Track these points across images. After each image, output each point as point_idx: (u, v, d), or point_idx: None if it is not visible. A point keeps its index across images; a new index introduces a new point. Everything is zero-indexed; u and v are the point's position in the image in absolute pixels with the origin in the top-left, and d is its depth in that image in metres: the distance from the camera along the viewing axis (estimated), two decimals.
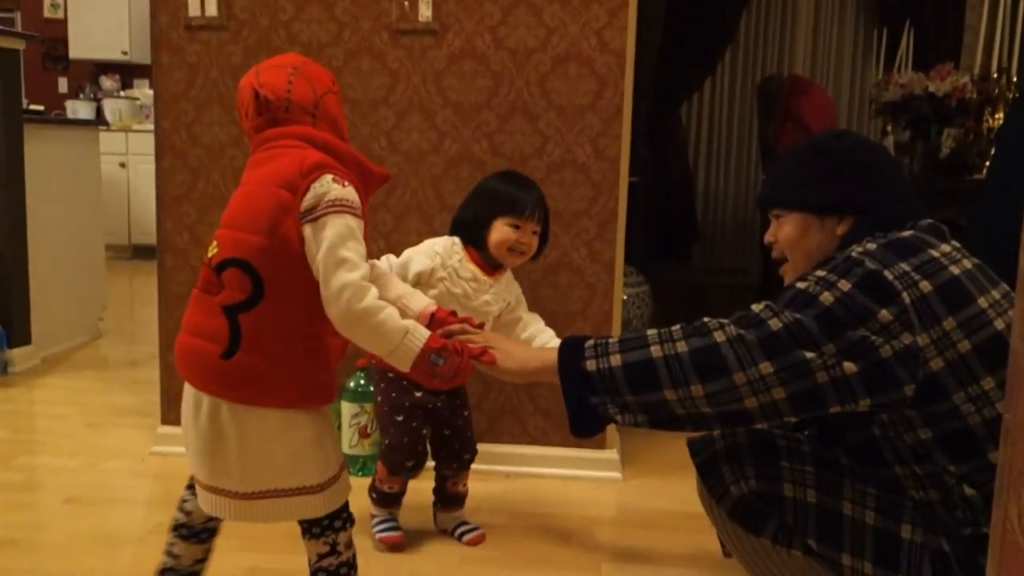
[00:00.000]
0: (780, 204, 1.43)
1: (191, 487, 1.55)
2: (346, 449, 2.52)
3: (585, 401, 1.31)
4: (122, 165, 6.53)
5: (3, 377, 3.39)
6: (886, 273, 1.21)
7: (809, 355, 1.19)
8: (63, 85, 7.27)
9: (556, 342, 1.92)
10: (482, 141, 2.47)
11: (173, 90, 2.54)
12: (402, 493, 2.12)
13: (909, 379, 1.19)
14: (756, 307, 1.28)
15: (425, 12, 2.42)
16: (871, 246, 1.26)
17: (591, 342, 1.35)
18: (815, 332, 1.19)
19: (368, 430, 2.51)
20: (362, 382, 2.50)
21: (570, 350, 1.36)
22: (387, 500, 2.11)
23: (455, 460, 2.11)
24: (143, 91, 7.05)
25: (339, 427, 2.53)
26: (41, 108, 4.14)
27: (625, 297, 3.30)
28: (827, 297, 1.21)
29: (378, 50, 2.47)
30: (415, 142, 2.50)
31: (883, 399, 1.21)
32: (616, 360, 1.30)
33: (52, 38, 7.08)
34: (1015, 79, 3.96)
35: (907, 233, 1.29)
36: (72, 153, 4.01)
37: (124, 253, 6.61)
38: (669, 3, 5.53)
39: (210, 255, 1.43)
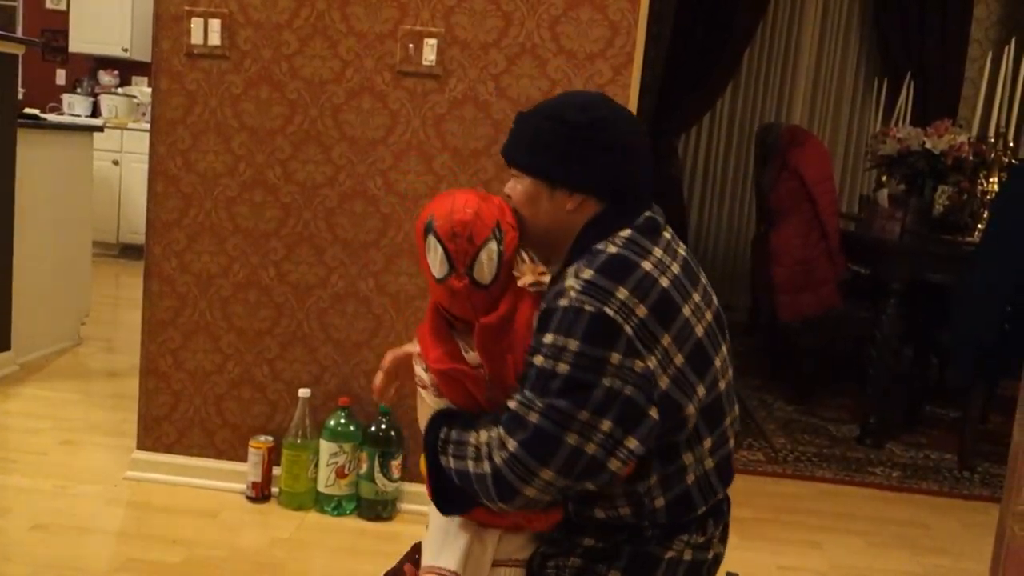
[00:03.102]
0: (516, 165, 1.37)
1: None
2: (322, 487, 2.51)
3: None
4: (115, 163, 6.47)
5: None
6: (606, 310, 1.20)
7: (573, 437, 1.20)
8: (61, 77, 7.21)
9: None
10: (478, 188, 2.46)
11: (170, 116, 2.51)
12: None
13: (648, 403, 1.21)
14: (511, 402, 1.26)
15: (429, 56, 2.41)
16: (588, 273, 1.23)
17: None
18: (567, 409, 1.20)
19: (345, 470, 2.48)
20: (342, 421, 2.48)
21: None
22: None
23: None
24: (141, 89, 6.99)
25: (316, 465, 2.51)
26: (36, 112, 4.08)
27: None
28: (563, 367, 1.20)
29: (380, 90, 2.46)
30: (411, 184, 2.48)
31: (643, 432, 1.22)
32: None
33: (52, 30, 7.03)
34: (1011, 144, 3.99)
35: (620, 243, 1.27)
36: (65, 157, 3.98)
37: (112, 250, 6.55)
38: (674, 28, 5.55)
39: None
